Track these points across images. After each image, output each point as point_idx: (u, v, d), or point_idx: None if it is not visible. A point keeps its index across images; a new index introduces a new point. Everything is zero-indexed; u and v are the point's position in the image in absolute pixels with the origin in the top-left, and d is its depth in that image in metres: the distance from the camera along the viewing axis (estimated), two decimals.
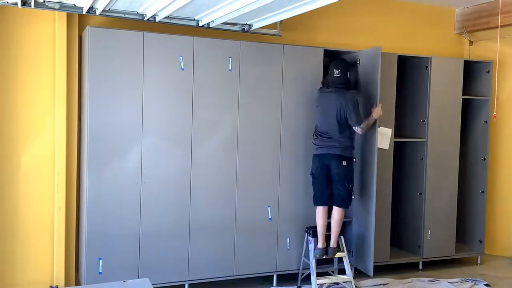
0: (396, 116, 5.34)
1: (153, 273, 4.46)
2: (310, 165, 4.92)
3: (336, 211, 4.72)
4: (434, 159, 5.45)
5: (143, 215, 4.44)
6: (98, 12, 4.25)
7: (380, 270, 5.30)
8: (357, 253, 5.06)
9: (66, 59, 4.49)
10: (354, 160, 4.86)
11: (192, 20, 4.62)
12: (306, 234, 4.86)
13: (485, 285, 5.05)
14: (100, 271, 4.32)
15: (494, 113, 5.46)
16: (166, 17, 4.42)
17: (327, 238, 4.77)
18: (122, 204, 4.39)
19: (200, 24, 4.63)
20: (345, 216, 4.86)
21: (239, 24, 4.81)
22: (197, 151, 4.59)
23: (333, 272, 5.02)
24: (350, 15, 5.64)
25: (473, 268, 5.61)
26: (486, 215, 5.87)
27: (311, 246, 4.74)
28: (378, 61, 4.72)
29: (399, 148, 5.54)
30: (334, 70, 4.70)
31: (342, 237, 4.81)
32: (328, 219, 4.78)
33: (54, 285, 4.53)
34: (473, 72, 5.87)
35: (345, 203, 4.73)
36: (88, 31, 4.27)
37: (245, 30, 4.86)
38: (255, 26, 4.82)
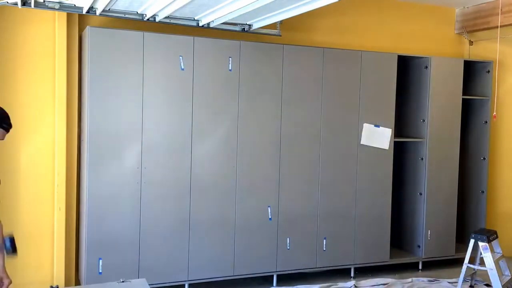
0: (396, 116, 5.34)
1: (153, 273, 4.46)
2: (309, 165, 4.93)
3: None
4: (434, 159, 5.45)
5: (143, 215, 4.44)
6: (98, 12, 4.25)
7: (380, 270, 5.31)
8: None
9: (66, 59, 4.49)
10: None
11: (192, 20, 4.61)
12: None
13: (485, 285, 5.05)
14: (100, 271, 4.32)
15: (494, 113, 5.47)
16: (166, 17, 4.42)
17: None
18: (122, 204, 4.39)
19: (200, 24, 4.63)
20: None
21: (239, 24, 4.81)
22: (197, 151, 4.59)
23: None
24: (350, 15, 5.64)
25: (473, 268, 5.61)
26: (486, 215, 5.87)
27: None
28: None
29: (399, 148, 5.54)
30: None
31: None
32: None
33: (54, 285, 4.51)
34: (473, 72, 5.88)
35: None
36: (88, 31, 4.27)
37: (245, 30, 4.86)
38: (255, 26, 4.81)
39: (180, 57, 4.49)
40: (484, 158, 5.87)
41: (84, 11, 4.23)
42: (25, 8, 4.09)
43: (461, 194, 5.75)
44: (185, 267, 4.60)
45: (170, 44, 4.47)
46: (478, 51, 6.13)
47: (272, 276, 4.97)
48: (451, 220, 5.63)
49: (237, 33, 4.89)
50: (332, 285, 4.97)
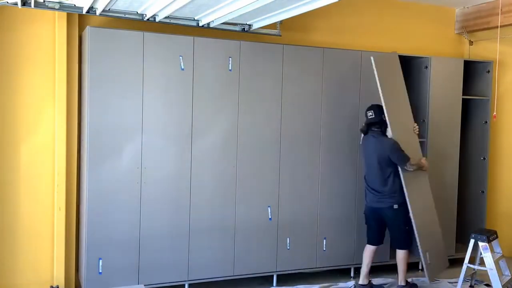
0: None
1: (153, 273, 4.46)
2: (309, 165, 4.93)
3: (398, 252, 4.75)
4: (434, 159, 5.45)
5: (143, 215, 4.44)
6: (98, 12, 4.25)
7: (380, 270, 5.31)
8: None
9: (66, 59, 4.49)
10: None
11: (192, 20, 4.61)
12: None
13: (485, 285, 5.05)
14: (100, 271, 4.32)
15: (494, 113, 5.47)
16: (166, 17, 4.42)
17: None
18: (122, 204, 4.39)
19: (200, 24, 4.63)
20: None
21: (239, 24, 4.81)
22: (197, 151, 4.59)
23: None
24: (350, 15, 5.64)
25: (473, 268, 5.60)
26: (486, 215, 5.87)
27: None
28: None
29: None
30: (368, 112, 4.74)
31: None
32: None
33: (54, 285, 4.53)
34: (473, 72, 5.88)
35: (402, 245, 4.74)
36: (88, 31, 4.27)
37: (245, 30, 4.86)
38: (255, 26, 4.82)
39: (180, 57, 4.49)
40: (484, 158, 5.87)
41: (84, 11, 4.23)
42: (25, 8, 4.09)
43: (461, 194, 5.75)
44: (185, 267, 4.60)
45: (170, 44, 4.47)
46: (478, 51, 6.13)
47: (272, 276, 4.98)
48: (451, 220, 5.63)
49: (237, 33, 4.89)
50: (332, 285, 4.98)
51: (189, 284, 4.67)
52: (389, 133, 4.70)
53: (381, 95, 4.64)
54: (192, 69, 4.54)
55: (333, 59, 5.04)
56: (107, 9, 4.24)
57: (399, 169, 4.61)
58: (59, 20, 4.46)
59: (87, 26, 4.33)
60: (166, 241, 4.52)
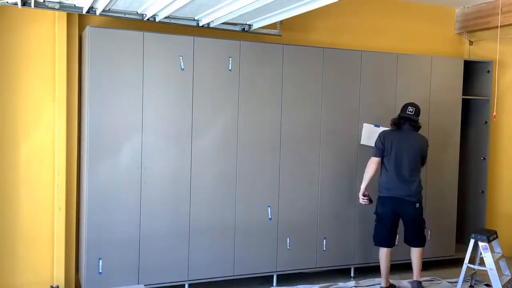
0: None
1: (153, 273, 4.46)
2: (309, 165, 4.92)
3: (417, 251, 4.76)
4: (434, 159, 5.44)
5: (143, 215, 4.44)
6: (98, 12, 4.25)
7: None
8: None
9: (66, 59, 4.49)
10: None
11: (192, 20, 4.61)
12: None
13: (485, 285, 5.05)
14: (100, 271, 4.32)
15: (494, 113, 5.46)
16: (166, 17, 4.42)
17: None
18: (122, 204, 4.39)
19: (200, 24, 4.63)
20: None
21: (239, 24, 4.81)
22: (197, 151, 4.59)
23: None
24: (350, 15, 5.64)
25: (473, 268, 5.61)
26: (486, 215, 5.87)
27: None
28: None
29: None
30: (409, 107, 4.75)
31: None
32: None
33: (54, 285, 4.53)
34: (473, 72, 5.88)
35: (423, 243, 4.78)
36: (88, 31, 4.27)
37: (245, 30, 4.86)
38: (255, 26, 4.82)
39: (180, 57, 4.49)
40: (484, 158, 5.87)
41: (84, 11, 4.23)
42: (25, 8, 4.09)
43: (461, 194, 5.75)
44: (185, 267, 4.60)
45: (170, 44, 4.47)
46: (478, 51, 6.13)
47: (272, 276, 4.97)
48: (451, 220, 5.63)
49: (237, 33, 4.89)
50: (332, 285, 4.97)
51: (189, 284, 4.67)
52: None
53: None
54: (192, 69, 4.54)
55: (333, 59, 5.04)
56: (107, 9, 4.24)
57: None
58: (59, 20, 4.46)
59: (87, 26, 4.33)
60: (166, 241, 4.52)
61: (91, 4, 4.10)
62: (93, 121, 4.26)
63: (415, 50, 5.84)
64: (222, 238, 4.72)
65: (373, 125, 5.18)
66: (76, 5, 4.21)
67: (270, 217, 4.88)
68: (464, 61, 5.67)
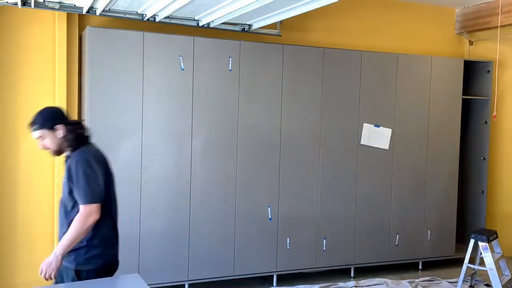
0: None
1: (153, 273, 4.46)
2: (309, 165, 4.93)
3: None
4: (434, 159, 5.45)
5: (143, 214, 4.44)
6: (98, 12, 4.25)
7: (380, 270, 5.31)
8: None
9: (66, 59, 4.49)
10: None
11: (192, 20, 4.62)
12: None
13: (485, 285, 5.05)
14: None
15: (494, 113, 5.47)
16: (166, 17, 4.42)
17: None
18: (122, 204, 4.35)
19: (200, 24, 4.63)
20: None
21: (239, 24, 4.81)
22: (197, 151, 4.59)
23: None
24: (350, 15, 5.64)
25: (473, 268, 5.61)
26: (486, 215, 5.87)
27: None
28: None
29: None
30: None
31: None
32: None
33: None
34: (473, 72, 5.88)
35: None
36: (88, 31, 4.27)
37: (245, 30, 4.86)
38: (255, 26, 4.82)
39: (180, 57, 4.49)
40: (484, 158, 5.87)
41: (84, 11, 4.23)
42: (25, 8, 4.10)
43: (461, 194, 5.75)
44: (185, 267, 4.60)
45: (170, 44, 4.47)
46: (478, 51, 6.13)
47: (272, 276, 4.97)
48: (451, 220, 5.63)
49: (237, 33, 4.89)
50: (332, 285, 4.97)
51: (189, 284, 4.67)
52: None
53: None
54: (192, 69, 4.54)
55: (333, 59, 5.04)
56: (107, 9, 4.24)
57: None
58: (59, 20, 4.46)
59: (87, 26, 4.33)
60: (166, 241, 4.52)
61: (91, 4, 4.10)
62: (93, 121, 4.25)
63: (415, 50, 5.84)
64: (222, 238, 4.72)
65: (373, 125, 5.19)
66: (76, 5, 4.21)
67: (270, 217, 4.88)
68: (464, 61, 5.67)
